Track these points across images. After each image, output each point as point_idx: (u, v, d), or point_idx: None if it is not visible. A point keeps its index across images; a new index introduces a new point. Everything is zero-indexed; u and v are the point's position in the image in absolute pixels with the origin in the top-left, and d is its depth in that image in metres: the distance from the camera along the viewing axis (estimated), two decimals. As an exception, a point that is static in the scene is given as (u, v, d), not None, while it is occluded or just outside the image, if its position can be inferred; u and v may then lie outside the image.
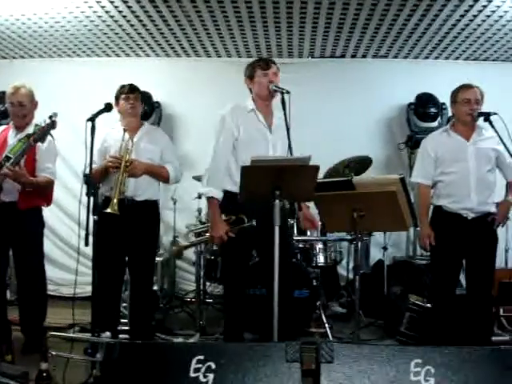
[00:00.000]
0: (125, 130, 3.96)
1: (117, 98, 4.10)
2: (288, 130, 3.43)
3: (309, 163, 3.14)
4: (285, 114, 3.46)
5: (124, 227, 3.92)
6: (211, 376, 2.44)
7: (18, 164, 3.72)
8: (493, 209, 3.88)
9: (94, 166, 3.81)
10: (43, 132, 3.71)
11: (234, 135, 3.58)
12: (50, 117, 3.70)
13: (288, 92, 3.49)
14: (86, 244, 3.35)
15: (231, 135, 3.58)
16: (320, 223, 4.18)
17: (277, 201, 3.09)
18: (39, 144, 3.80)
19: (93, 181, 3.65)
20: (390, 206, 3.30)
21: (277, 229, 3.11)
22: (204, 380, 2.43)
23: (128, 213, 3.89)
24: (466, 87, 3.90)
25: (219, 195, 3.57)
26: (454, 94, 3.95)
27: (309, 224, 3.87)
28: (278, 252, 3.10)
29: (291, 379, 2.42)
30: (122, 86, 4.11)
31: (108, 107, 3.64)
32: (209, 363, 2.46)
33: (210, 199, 3.60)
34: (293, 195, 3.18)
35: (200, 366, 2.45)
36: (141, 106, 4.23)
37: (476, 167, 3.82)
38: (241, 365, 2.45)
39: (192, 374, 2.46)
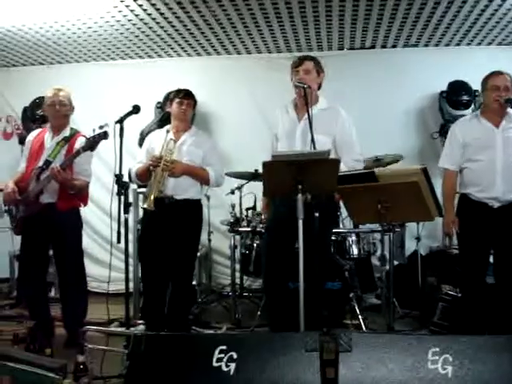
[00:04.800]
0: (167, 132, 4.14)
1: (171, 100, 4.27)
2: (311, 124, 3.47)
3: (327, 157, 3.18)
4: (307, 110, 3.51)
5: (166, 225, 4.08)
6: (233, 365, 2.54)
7: (65, 168, 3.89)
8: None
9: (139, 164, 4.18)
10: (94, 142, 3.83)
11: (274, 132, 3.97)
12: (101, 127, 3.79)
13: (309, 87, 3.56)
14: (118, 241, 3.50)
15: (272, 133, 4.03)
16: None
17: (299, 195, 3.16)
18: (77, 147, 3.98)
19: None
20: (414, 197, 3.31)
21: (300, 222, 3.18)
22: (226, 369, 2.54)
23: (169, 211, 4.06)
24: (495, 74, 3.85)
25: None
26: (484, 81, 3.91)
27: None
28: (303, 245, 3.18)
29: (311, 368, 2.49)
30: (179, 91, 4.26)
31: (136, 109, 3.74)
32: (231, 353, 2.56)
33: None
34: (315, 188, 3.22)
35: (222, 355, 2.55)
36: (192, 112, 4.38)
37: (503, 155, 3.75)
38: (261, 354, 2.54)
39: (215, 364, 2.56)
